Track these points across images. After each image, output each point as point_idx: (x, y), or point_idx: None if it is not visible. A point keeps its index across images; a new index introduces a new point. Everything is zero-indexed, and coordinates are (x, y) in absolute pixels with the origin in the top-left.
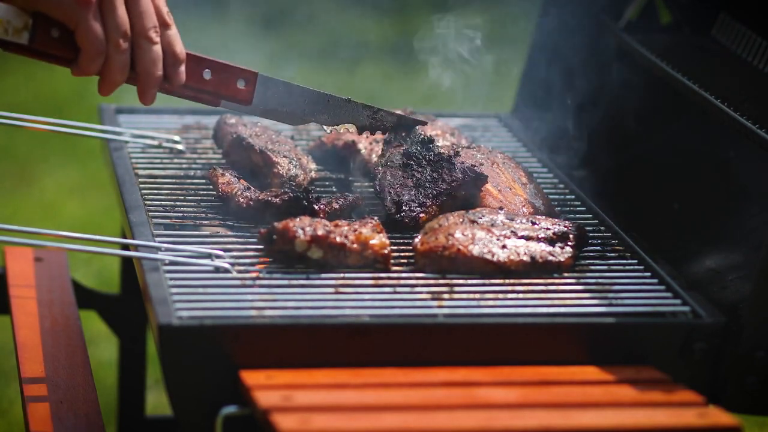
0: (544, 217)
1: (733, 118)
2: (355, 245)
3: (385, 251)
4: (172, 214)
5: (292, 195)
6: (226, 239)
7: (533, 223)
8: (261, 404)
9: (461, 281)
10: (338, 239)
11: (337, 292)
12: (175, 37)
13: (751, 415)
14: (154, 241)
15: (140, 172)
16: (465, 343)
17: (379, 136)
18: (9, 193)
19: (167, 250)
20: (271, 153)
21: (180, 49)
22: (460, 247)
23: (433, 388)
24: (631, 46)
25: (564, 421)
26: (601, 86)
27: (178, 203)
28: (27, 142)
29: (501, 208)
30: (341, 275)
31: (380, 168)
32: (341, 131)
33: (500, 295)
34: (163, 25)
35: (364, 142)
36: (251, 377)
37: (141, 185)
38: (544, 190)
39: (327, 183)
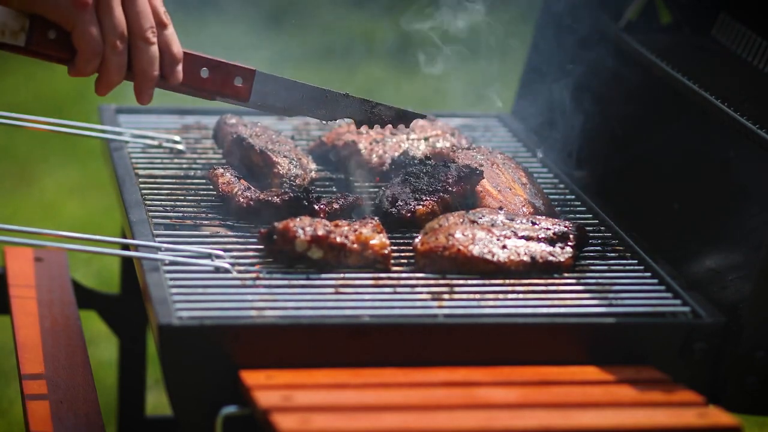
0: (544, 217)
1: (733, 118)
2: (355, 245)
3: (386, 251)
4: (172, 214)
5: (292, 195)
6: (226, 239)
7: (533, 224)
8: (261, 404)
9: (461, 281)
10: (338, 239)
11: (337, 292)
12: (172, 36)
13: (751, 415)
14: (154, 241)
15: (140, 172)
16: (465, 343)
17: (379, 135)
18: (9, 193)
19: (167, 250)
20: (271, 153)
21: (177, 48)
22: (461, 248)
23: (433, 388)
24: (631, 46)
25: (564, 421)
26: (601, 86)
27: (178, 203)
28: (27, 142)
29: (501, 209)
30: (341, 275)
31: (381, 189)
32: (341, 127)
33: (500, 296)
34: (160, 25)
35: (364, 142)
36: (251, 377)
37: (141, 185)
38: (544, 190)
39: (327, 183)
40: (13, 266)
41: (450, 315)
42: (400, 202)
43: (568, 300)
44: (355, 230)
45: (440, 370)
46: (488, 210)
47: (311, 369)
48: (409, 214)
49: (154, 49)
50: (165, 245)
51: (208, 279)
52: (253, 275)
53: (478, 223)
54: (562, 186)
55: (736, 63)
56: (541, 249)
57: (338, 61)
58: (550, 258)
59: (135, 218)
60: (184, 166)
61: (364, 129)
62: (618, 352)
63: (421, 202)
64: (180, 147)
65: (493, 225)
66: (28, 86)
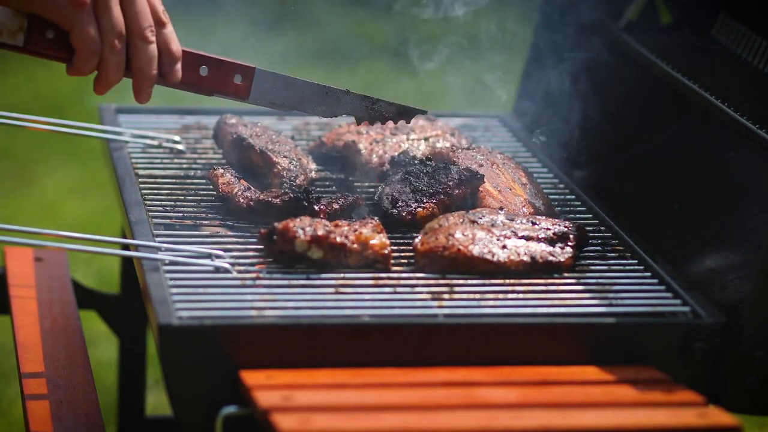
0: (544, 217)
1: (733, 118)
2: (355, 245)
3: (386, 251)
4: (172, 214)
5: (292, 195)
6: (226, 239)
7: (533, 224)
8: (261, 404)
9: (461, 281)
10: (338, 239)
11: (337, 292)
12: (171, 35)
13: (751, 415)
14: (154, 241)
15: (140, 172)
16: (465, 343)
17: (379, 135)
18: (9, 193)
19: (167, 250)
20: (271, 153)
21: (176, 47)
22: (461, 248)
23: (433, 388)
24: (631, 46)
25: (564, 421)
26: (601, 86)
27: (178, 203)
28: (27, 142)
29: (501, 209)
30: (341, 275)
31: (381, 186)
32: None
33: (500, 295)
34: (159, 24)
35: (364, 143)
36: (251, 377)
37: (141, 185)
38: (544, 190)
39: (327, 183)
40: (13, 266)
41: (450, 315)
42: (400, 204)
43: (568, 300)
44: (355, 230)
45: (440, 370)
46: (488, 210)
47: (311, 369)
48: (409, 216)
49: (153, 48)
50: (165, 245)
51: (208, 279)
52: (253, 275)
53: (478, 223)
54: (562, 186)
55: (736, 63)
56: (541, 249)
57: (338, 61)
58: (550, 258)
59: (135, 218)
60: (184, 166)
61: (364, 129)
62: (618, 352)
63: (422, 204)
64: (180, 147)
65: (493, 225)
66: (28, 86)
